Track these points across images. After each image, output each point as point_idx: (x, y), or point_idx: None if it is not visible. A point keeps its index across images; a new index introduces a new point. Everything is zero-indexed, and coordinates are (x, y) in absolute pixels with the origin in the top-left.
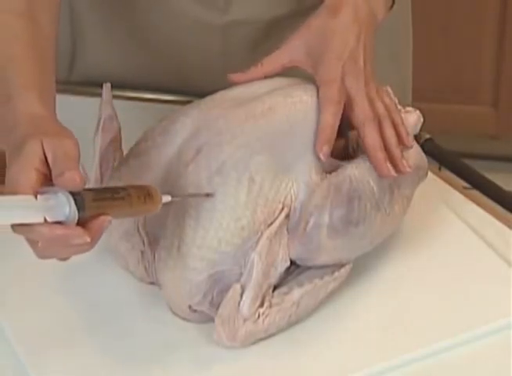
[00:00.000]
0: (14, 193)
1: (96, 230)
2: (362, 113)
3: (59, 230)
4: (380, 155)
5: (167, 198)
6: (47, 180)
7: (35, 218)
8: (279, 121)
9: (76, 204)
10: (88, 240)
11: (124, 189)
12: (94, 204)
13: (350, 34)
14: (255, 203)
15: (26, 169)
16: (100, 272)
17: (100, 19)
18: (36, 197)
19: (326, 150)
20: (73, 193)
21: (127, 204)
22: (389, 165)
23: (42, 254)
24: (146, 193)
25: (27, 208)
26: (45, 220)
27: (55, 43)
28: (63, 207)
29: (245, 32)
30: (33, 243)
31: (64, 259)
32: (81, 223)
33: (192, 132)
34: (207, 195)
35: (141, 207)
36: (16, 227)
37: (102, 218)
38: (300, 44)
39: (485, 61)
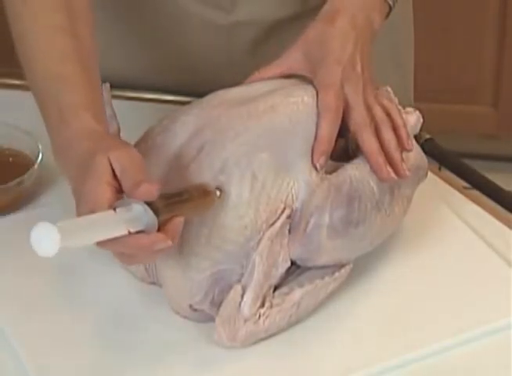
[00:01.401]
0: (92, 209)
1: (174, 232)
2: (358, 118)
3: (144, 240)
4: (379, 159)
5: (218, 193)
6: (118, 193)
7: (119, 231)
8: (280, 119)
9: (152, 211)
10: (171, 243)
11: (186, 190)
12: (166, 209)
13: (348, 40)
14: (258, 201)
15: (99, 185)
16: (101, 272)
17: (104, 19)
18: (115, 211)
19: (322, 161)
20: (146, 202)
21: (192, 204)
22: (389, 168)
23: (129, 263)
24: (203, 191)
25: (110, 224)
26: (129, 232)
27: (97, 57)
28: (142, 216)
29: (250, 33)
30: (119, 254)
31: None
32: (158, 228)
33: (194, 131)
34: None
35: (202, 205)
36: (102, 243)
37: (176, 220)
38: (299, 53)
39: (485, 61)
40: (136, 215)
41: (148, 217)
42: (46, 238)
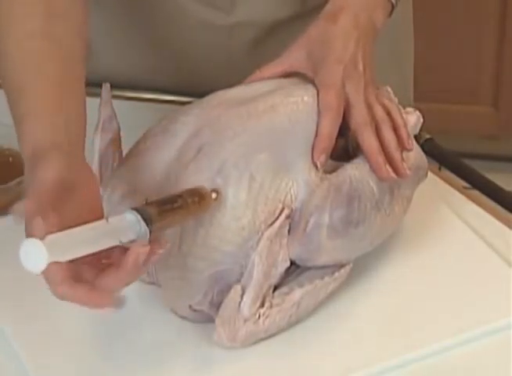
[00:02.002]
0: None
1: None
2: (359, 117)
3: (142, 255)
4: (379, 159)
5: (213, 196)
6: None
7: (111, 242)
8: (280, 119)
9: (145, 220)
10: (169, 244)
11: (179, 196)
12: (159, 218)
13: (350, 39)
14: (255, 202)
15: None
16: None
17: (103, 19)
18: (107, 221)
19: (322, 159)
20: (138, 210)
21: (185, 211)
22: (389, 168)
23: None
24: (198, 196)
25: (102, 235)
26: (120, 242)
27: (78, 59)
28: (134, 226)
29: (249, 33)
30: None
31: None
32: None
33: (193, 131)
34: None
35: (196, 210)
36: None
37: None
38: (300, 52)
39: (485, 61)
40: (128, 225)
41: (140, 227)
42: (34, 255)
